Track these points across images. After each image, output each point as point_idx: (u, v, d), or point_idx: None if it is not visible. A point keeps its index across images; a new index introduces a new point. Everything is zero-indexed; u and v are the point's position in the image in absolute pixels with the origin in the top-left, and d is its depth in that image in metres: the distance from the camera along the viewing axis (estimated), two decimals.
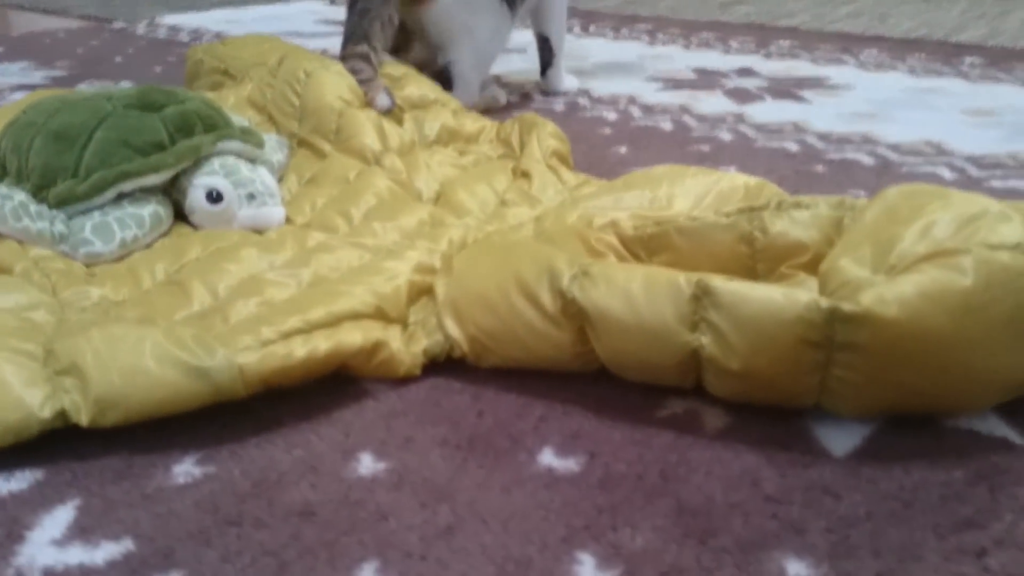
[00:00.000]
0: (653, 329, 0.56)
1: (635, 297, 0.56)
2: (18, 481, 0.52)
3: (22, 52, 1.92)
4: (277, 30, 2.21)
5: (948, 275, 0.52)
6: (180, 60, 1.82)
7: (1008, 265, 0.52)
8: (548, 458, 0.54)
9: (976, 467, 0.53)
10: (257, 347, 0.56)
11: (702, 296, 0.55)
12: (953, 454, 0.54)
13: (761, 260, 0.68)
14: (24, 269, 0.69)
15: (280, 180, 0.93)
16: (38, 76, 1.68)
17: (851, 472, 0.53)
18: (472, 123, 1.10)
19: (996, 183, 1.04)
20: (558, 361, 0.61)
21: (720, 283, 0.54)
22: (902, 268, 0.54)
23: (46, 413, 0.53)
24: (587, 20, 2.34)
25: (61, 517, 0.49)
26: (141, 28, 2.26)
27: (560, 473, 0.53)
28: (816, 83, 1.58)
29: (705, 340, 0.55)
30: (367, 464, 0.54)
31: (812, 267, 0.65)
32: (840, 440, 0.56)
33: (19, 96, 1.50)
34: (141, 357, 0.54)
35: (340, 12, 2.53)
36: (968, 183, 1.04)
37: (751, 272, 0.68)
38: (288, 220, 0.84)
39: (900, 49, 1.89)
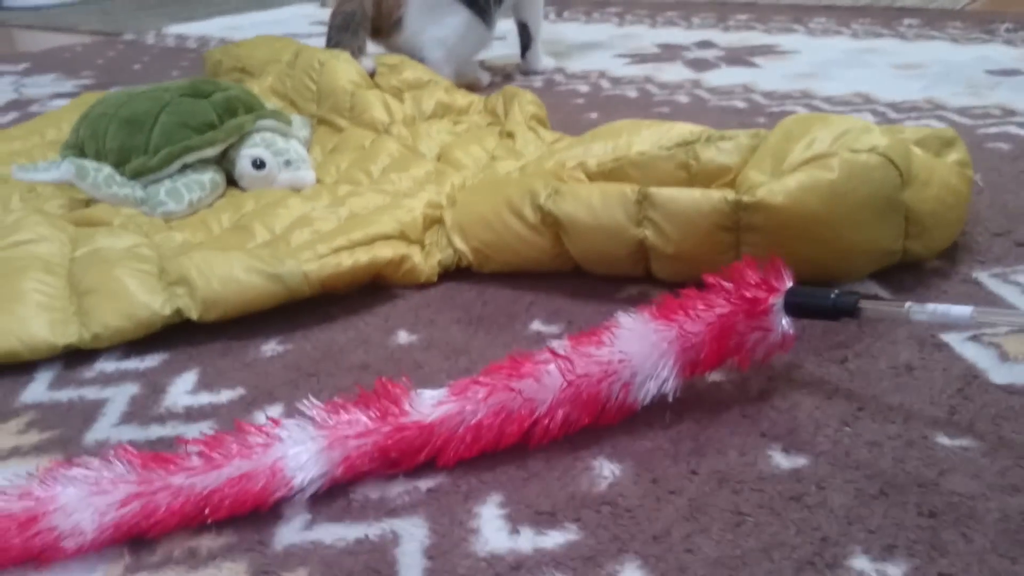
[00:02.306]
0: (609, 228, 0.75)
1: (594, 205, 0.76)
2: (150, 360, 0.71)
3: (48, 66, 2.11)
4: (275, 33, 2.39)
5: (820, 172, 0.71)
6: (193, 64, 2.00)
7: (864, 162, 0.71)
8: (537, 326, 0.73)
9: None
10: (315, 259, 0.75)
11: (643, 200, 0.74)
12: None
13: (696, 182, 0.86)
14: (122, 222, 0.88)
15: (307, 152, 1.11)
16: (69, 85, 1.86)
17: None
18: (463, 98, 1.28)
19: (910, 123, 1.23)
20: (541, 262, 0.80)
21: (656, 189, 0.73)
22: (789, 171, 0.73)
23: (167, 311, 0.72)
24: (562, 6, 2.53)
25: (188, 379, 0.68)
26: (150, 39, 2.45)
27: (546, 334, 0.72)
28: (767, 50, 1.77)
29: (648, 232, 0.74)
30: (403, 336, 0.73)
31: (735, 183, 0.84)
32: None
33: (58, 103, 1.69)
34: (232, 269, 0.73)
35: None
36: (886, 124, 1.23)
37: None
38: (319, 181, 1.02)
39: (847, 16, 2.08)
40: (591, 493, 0.53)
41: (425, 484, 0.54)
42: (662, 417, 0.60)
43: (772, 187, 0.71)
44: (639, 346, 0.56)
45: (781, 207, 0.70)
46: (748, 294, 0.58)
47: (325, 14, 2.71)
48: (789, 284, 0.60)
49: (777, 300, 0.58)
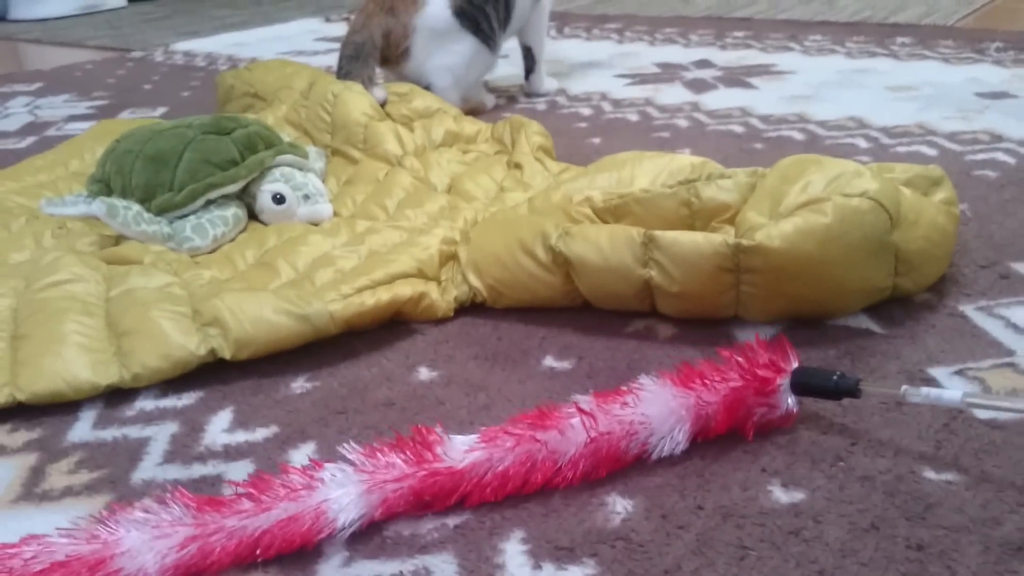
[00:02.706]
0: (617, 268, 0.80)
1: (603, 247, 0.80)
2: (187, 399, 0.76)
3: (61, 85, 2.15)
4: (281, 50, 2.44)
5: (815, 216, 0.75)
6: (203, 84, 2.05)
7: (856, 207, 0.76)
8: (550, 361, 0.78)
9: (845, 347, 0.77)
10: (340, 299, 0.80)
11: (648, 242, 0.79)
12: (831, 340, 0.78)
13: (698, 219, 0.91)
14: (152, 260, 0.92)
15: (323, 183, 1.16)
16: (82, 106, 1.91)
17: None
18: (470, 126, 1.33)
19: (901, 148, 1.27)
20: (552, 299, 0.85)
21: (660, 233, 0.78)
22: (786, 214, 0.78)
23: (201, 351, 0.77)
24: (562, 22, 2.57)
25: (224, 417, 0.73)
26: (159, 56, 2.49)
27: (558, 370, 0.77)
28: (764, 70, 1.81)
29: (653, 273, 0.79)
30: (424, 373, 0.77)
31: (735, 221, 0.89)
32: (754, 337, 0.79)
33: (74, 126, 1.73)
34: (263, 310, 0.77)
35: (336, 29, 2.76)
36: (879, 149, 1.28)
37: (690, 228, 0.91)
38: (336, 214, 1.07)
39: (842, 33, 2.13)
40: (606, 528, 0.58)
41: (452, 521, 0.59)
42: (669, 453, 0.64)
43: (770, 231, 0.75)
44: (659, 410, 0.62)
45: (779, 250, 0.75)
46: (760, 372, 0.64)
47: (330, 29, 2.76)
48: (795, 365, 0.66)
49: (784, 381, 0.64)
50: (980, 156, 1.21)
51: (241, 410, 0.74)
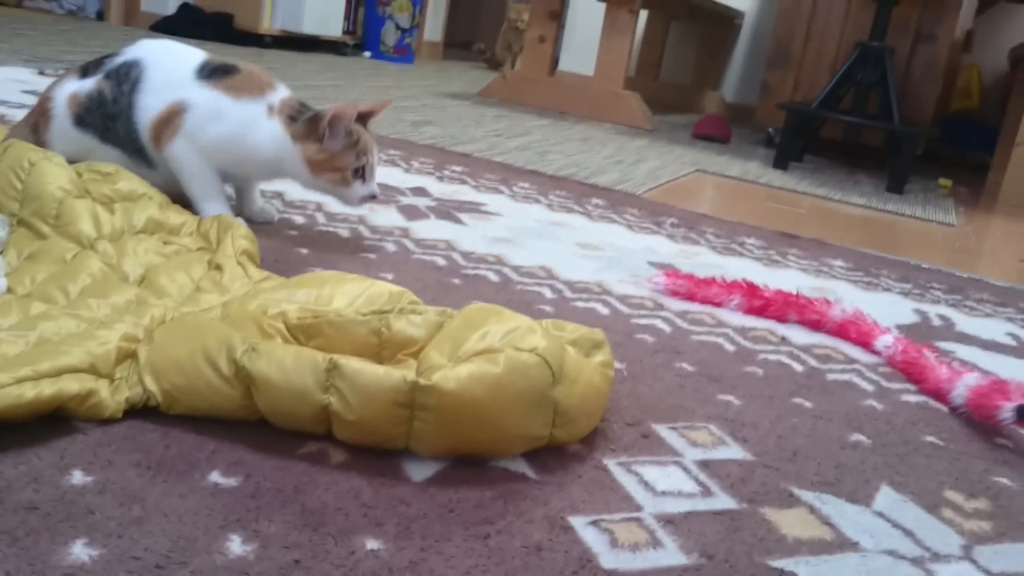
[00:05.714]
0: (298, 391, 0.81)
1: (287, 367, 0.82)
2: None
3: None
4: None
5: (487, 365, 0.82)
6: None
7: (524, 360, 0.84)
8: (216, 477, 0.77)
9: (501, 490, 0.83)
10: None
11: (332, 369, 0.81)
12: (488, 482, 0.84)
13: (386, 348, 0.95)
14: None
15: (1, 254, 1.08)
16: None
17: (422, 491, 0.80)
18: (176, 216, 1.30)
19: (580, 304, 1.41)
20: (229, 412, 0.85)
21: (344, 361, 0.81)
22: (464, 358, 0.84)
23: None
24: None
25: None
26: None
27: (223, 487, 0.76)
28: (474, 208, 1.93)
29: (333, 399, 0.81)
30: (78, 477, 0.74)
31: (419, 356, 0.94)
32: (420, 471, 0.83)
33: None
34: None
35: (48, 83, 2.59)
36: (561, 301, 1.40)
37: (378, 356, 0.95)
38: (10, 290, 1.00)
39: (548, 185, 2.32)
40: None
41: None
42: None
43: (447, 374, 0.81)
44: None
45: (452, 392, 0.80)
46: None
47: (43, 83, 2.59)
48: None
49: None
50: (643, 320, 1.37)
51: None
